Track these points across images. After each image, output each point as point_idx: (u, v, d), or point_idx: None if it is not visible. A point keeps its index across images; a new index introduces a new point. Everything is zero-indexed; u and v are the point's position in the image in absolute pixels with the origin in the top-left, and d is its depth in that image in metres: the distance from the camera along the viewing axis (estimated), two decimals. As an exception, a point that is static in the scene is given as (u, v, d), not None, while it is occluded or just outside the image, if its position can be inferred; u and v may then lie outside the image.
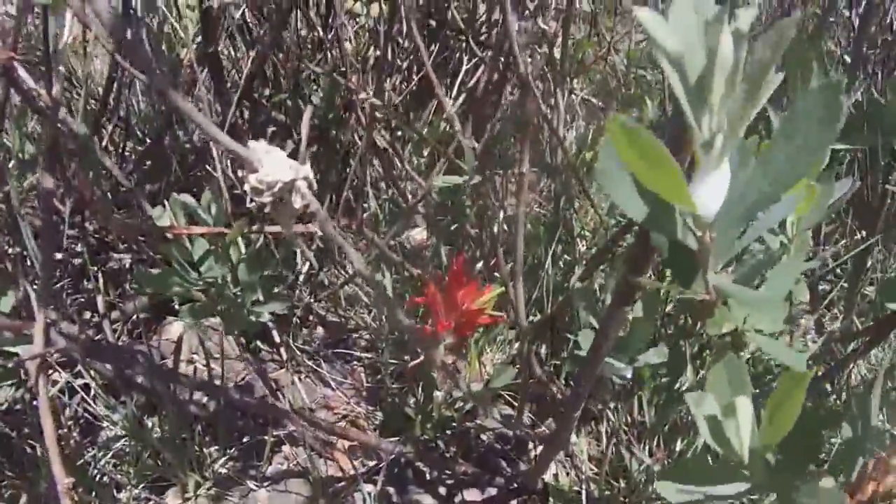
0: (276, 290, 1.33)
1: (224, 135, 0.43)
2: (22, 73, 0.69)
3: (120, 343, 1.37)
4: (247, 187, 0.47)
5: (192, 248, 0.87)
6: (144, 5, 0.92)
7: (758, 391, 0.98)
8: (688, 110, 0.36)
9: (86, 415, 1.25)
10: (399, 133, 1.43)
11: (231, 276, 0.89)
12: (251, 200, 0.48)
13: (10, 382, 1.11)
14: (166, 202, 0.88)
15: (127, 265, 1.54)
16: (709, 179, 0.38)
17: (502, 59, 1.14)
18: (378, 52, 1.29)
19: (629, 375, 0.91)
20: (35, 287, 1.19)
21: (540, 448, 1.31)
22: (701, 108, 0.35)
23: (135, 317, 1.44)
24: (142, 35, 0.90)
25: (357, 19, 1.42)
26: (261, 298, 0.93)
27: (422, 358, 0.89)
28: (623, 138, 0.34)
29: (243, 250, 0.93)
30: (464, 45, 1.46)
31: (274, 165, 0.46)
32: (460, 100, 1.42)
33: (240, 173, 0.44)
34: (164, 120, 1.50)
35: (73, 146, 0.85)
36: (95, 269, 1.37)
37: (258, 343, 1.44)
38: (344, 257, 1.43)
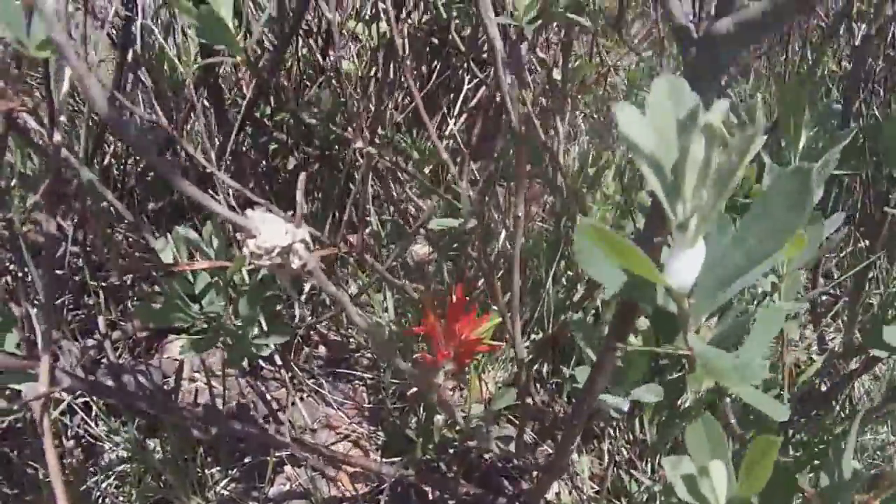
0: (277, 307, 1.33)
1: (222, 206, 0.43)
2: (24, 115, 0.69)
3: (121, 362, 1.37)
4: (245, 251, 0.48)
5: (194, 281, 0.87)
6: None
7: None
8: (662, 198, 0.38)
9: (87, 437, 1.25)
10: (400, 151, 1.43)
11: (232, 309, 0.90)
12: (250, 263, 0.48)
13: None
14: (168, 235, 0.88)
15: (128, 281, 1.54)
16: (684, 256, 0.41)
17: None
18: (380, 70, 1.29)
19: (625, 409, 0.91)
20: (36, 302, 1.20)
21: (543, 462, 1.32)
22: (675, 196, 0.38)
23: (136, 335, 1.44)
24: (140, 71, 0.90)
25: (359, 39, 1.42)
26: (264, 328, 0.93)
27: (421, 386, 0.89)
28: (594, 237, 0.37)
29: (246, 278, 0.93)
30: (465, 64, 1.46)
31: (271, 232, 0.47)
32: (462, 118, 1.43)
33: (238, 236, 0.45)
34: (165, 137, 1.50)
35: (75, 185, 0.85)
36: (96, 284, 1.38)
37: (260, 362, 1.44)
38: (346, 282, 1.44)
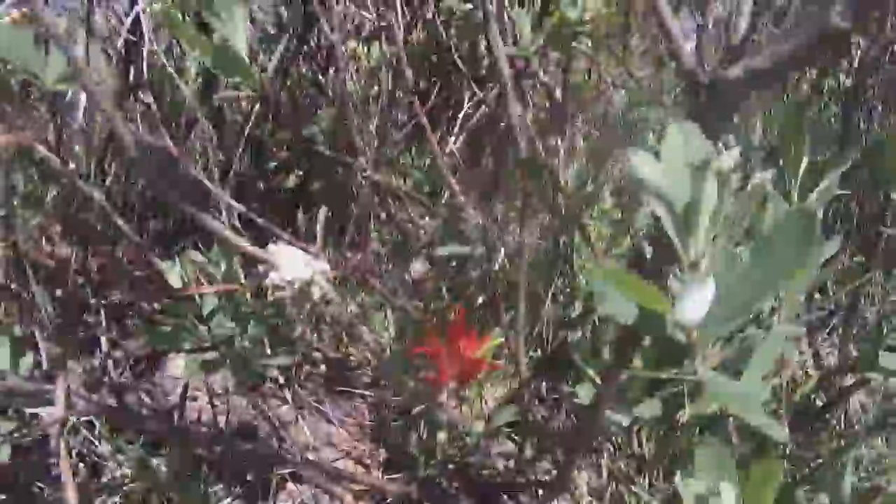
0: (279, 324, 1.34)
1: (244, 242, 0.44)
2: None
3: (123, 380, 1.37)
4: (268, 282, 0.49)
5: (202, 304, 0.88)
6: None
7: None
8: (675, 237, 0.39)
9: (91, 455, 1.25)
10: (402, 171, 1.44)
11: (240, 331, 0.90)
12: (272, 294, 0.50)
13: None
14: (176, 256, 0.89)
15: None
16: (694, 293, 0.42)
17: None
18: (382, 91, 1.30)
19: (626, 424, 0.92)
20: (38, 319, 1.20)
21: (542, 477, 1.32)
22: (686, 236, 0.39)
23: (139, 351, 1.44)
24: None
25: (358, 58, 1.43)
26: (268, 350, 0.94)
27: (425, 405, 0.90)
28: (611, 279, 0.40)
29: (250, 299, 0.94)
30: (465, 82, 1.48)
31: (293, 265, 0.48)
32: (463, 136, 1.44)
33: (260, 268, 0.47)
34: (167, 155, 1.51)
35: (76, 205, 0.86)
36: (97, 302, 1.38)
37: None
38: (346, 299, 1.44)
